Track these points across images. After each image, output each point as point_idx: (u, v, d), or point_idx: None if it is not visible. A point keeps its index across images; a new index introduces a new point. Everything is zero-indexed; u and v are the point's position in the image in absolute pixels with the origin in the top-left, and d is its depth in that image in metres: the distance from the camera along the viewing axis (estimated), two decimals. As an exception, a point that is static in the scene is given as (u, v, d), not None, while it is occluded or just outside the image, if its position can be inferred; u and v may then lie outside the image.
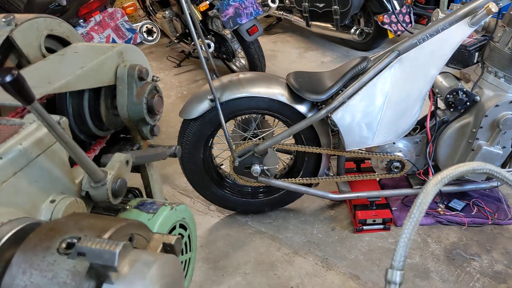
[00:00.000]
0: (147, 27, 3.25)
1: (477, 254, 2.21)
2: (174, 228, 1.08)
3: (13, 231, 0.67)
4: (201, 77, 4.42)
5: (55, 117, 0.86)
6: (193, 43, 4.17)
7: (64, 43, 1.43)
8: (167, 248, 0.67)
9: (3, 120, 0.94)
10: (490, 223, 2.36)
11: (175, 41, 4.43)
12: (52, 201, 0.89)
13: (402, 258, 0.79)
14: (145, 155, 1.19)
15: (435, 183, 0.79)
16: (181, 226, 1.11)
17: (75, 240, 0.58)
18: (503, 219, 2.36)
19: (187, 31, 4.26)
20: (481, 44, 2.35)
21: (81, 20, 2.94)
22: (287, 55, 4.71)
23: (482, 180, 2.31)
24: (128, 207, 1.07)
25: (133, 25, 3.12)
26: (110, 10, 3.02)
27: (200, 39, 2.43)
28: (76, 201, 0.92)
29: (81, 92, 1.22)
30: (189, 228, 1.13)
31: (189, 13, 1.88)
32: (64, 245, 0.58)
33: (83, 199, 0.98)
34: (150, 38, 3.27)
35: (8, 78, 0.67)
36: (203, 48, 2.45)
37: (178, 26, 4.37)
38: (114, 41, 3.01)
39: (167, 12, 4.35)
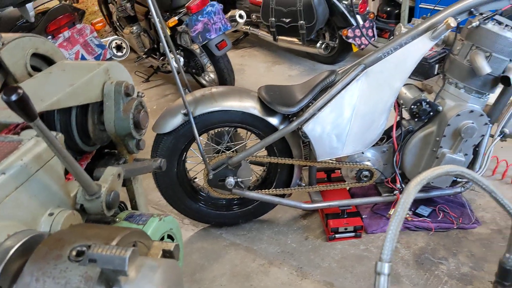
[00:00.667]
0: (116, 42, 3.26)
1: (444, 257, 2.30)
2: (162, 238, 1.11)
3: (20, 242, 0.69)
4: (170, 92, 4.44)
5: (52, 133, 0.88)
6: (161, 57, 4.19)
7: (48, 61, 1.45)
8: (167, 255, 0.71)
9: (0, 137, 0.96)
10: (455, 227, 2.46)
11: (143, 56, 4.44)
12: (51, 214, 0.92)
13: (390, 252, 0.85)
14: (134, 169, 1.22)
15: (416, 184, 0.86)
16: (169, 236, 1.14)
17: (84, 248, 0.61)
18: (467, 223, 2.47)
19: (155, 46, 4.29)
20: (440, 57, 2.46)
21: (50, 37, 2.93)
22: (255, 69, 4.78)
23: (446, 187, 2.42)
24: (117, 219, 1.09)
25: (102, 40, 3.12)
26: (78, 26, 3.01)
27: (172, 53, 2.46)
28: (73, 214, 0.94)
29: (68, 109, 1.24)
30: (176, 239, 1.16)
31: (161, 27, 1.92)
32: (74, 253, 0.61)
33: (78, 212, 1.00)
34: (119, 53, 3.28)
35: (14, 97, 0.70)
36: (175, 62, 2.48)
37: (146, 41, 4.39)
38: (83, 57, 3.00)
39: (134, 28, 4.37)
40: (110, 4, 4.81)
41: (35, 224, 0.88)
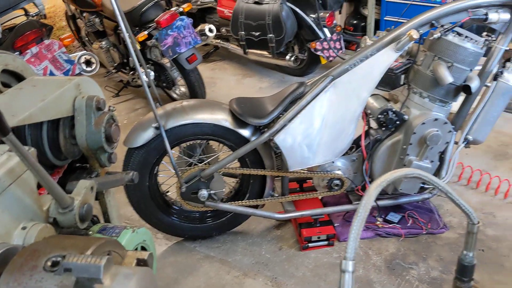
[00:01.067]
0: (85, 57, 3.24)
1: (415, 262, 2.36)
2: (135, 250, 1.12)
3: None
4: (140, 106, 4.42)
5: (25, 148, 0.88)
6: (132, 72, 4.18)
7: (18, 77, 1.45)
8: (141, 263, 0.72)
9: None
10: (424, 233, 2.52)
11: (113, 71, 4.41)
12: (24, 228, 0.92)
13: (353, 250, 0.89)
14: (106, 182, 1.23)
15: (376, 186, 0.90)
16: (142, 248, 1.15)
17: (59, 258, 0.62)
18: (436, 228, 2.54)
19: (125, 60, 4.27)
20: (406, 67, 2.53)
21: (17, 53, 2.89)
22: (226, 82, 4.81)
23: (414, 193, 2.48)
24: (90, 232, 1.10)
25: (71, 56, 3.10)
26: (46, 41, 2.99)
27: (142, 67, 2.46)
28: (46, 227, 0.95)
29: (39, 123, 1.24)
30: (150, 250, 1.16)
31: (131, 42, 1.92)
32: (49, 263, 0.62)
33: (51, 225, 1.00)
34: (89, 68, 3.25)
35: None
36: (146, 76, 2.48)
37: (115, 56, 4.37)
38: (52, 72, 2.96)
39: (103, 43, 4.34)
40: (78, 20, 4.77)
41: (8, 237, 0.88)
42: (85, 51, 3.50)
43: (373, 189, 0.90)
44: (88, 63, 3.28)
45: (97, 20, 4.30)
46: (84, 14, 4.47)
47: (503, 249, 2.41)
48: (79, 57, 3.21)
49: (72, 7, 4.66)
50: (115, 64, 4.38)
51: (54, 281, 0.61)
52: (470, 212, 1.39)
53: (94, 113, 1.29)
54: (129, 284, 0.63)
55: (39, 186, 1.04)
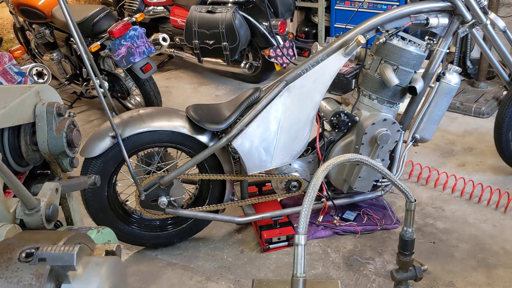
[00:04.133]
0: (37, 69, 3.19)
1: (371, 257, 2.45)
2: (103, 245, 1.15)
3: None
4: (96, 117, 4.37)
5: None
6: (85, 83, 4.13)
7: None
8: (109, 255, 0.75)
9: None
10: (379, 229, 2.63)
11: (65, 82, 4.34)
12: None
13: (305, 226, 0.97)
14: (70, 184, 1.25)
15: (323, 170, 0.98)
16: (107, 248, 1.17)
17: (33, 250, 0.64)
18: (389, 224, 2.65)
19: (77, 72, 4.21)
20: (356, 72, 2.65)
21: (-35, 65, 2.81)
22: (181, 91, 4.83)
23: (368, 191, 2.58)
24: (57, 233, 1.11)
25: (22, 68, 3.04)
26: (-4, 54, 2.92)
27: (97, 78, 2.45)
28: (14, 227, 0.96)
29: None
30: (115, 250, 1.19)
31: (85, 52, 1.92)
32: (24, 255, 0.64)
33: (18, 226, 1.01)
34: (40, 80, 3.20)
35: None
36: (101, 86, 2.47)
37: (67, 68, 4.31)
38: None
39: (55, 54, 4.27)
40: (27, 32, 4.66)
41: (-23, 238, 0.89)
42: (36, 63, 3.44)
43: (321, 172, 0.97)
44: (39, 74, 3.23)
45: (47, 31, 4.23)
46: (34, 26, 4.38)
47: (453, 240, 2.55)
48: (31, 69, 3.16)
49: (21, 19, 4.55)
50: (68, 76, 4.31)
51: (30, 270, 0.64)
52: (407, 192, 1.50)
53: (55, 119, 1.31)
54: (100, 270, 0.67)
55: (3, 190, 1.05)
